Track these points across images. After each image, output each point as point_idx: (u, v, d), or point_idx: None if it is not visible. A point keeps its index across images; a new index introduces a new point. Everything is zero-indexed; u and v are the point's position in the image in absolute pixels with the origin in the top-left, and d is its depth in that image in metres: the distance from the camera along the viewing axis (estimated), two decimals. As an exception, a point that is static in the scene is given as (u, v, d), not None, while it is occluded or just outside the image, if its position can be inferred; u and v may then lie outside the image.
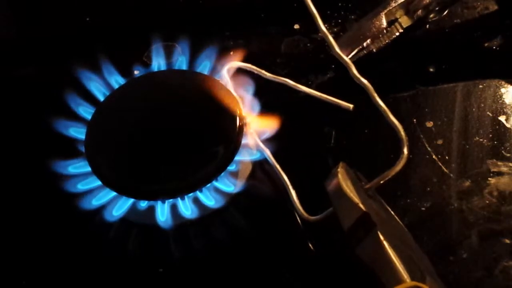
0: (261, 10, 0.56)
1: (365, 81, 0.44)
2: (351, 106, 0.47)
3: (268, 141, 0.45)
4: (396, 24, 0.49)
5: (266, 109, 0.46)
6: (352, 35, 0.49)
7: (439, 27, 0.52)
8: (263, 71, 0.49)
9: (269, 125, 0.45)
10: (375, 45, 0.48)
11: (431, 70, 0.50)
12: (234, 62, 0.49)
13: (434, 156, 0.45)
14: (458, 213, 0.42)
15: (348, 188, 0.37)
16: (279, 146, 0.45)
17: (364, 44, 0.48)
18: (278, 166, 0.44)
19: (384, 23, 0.48)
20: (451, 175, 0.44)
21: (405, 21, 0.49)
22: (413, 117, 0.47)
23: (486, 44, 0.51)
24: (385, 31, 0.48)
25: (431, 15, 0.50)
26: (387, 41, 0.49)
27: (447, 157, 0.44)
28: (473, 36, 0.52)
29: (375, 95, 0.43)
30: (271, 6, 0.56)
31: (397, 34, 0.49)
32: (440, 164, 0.44)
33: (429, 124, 0.47)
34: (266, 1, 0.56)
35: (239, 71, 0.49)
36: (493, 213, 0.41)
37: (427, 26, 0.52)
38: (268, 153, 0.44)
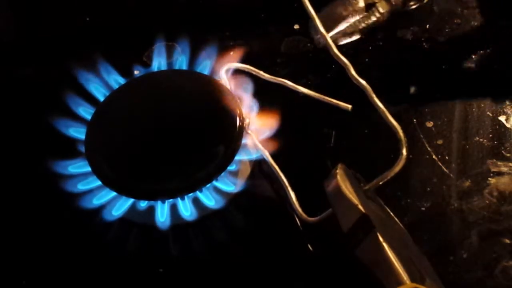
0: (261, 10, 0.56)
1: (363, 82, 0.44)
2: (349, 106, 0.46)
3: (267, 142, 0.45)
4: (374, 8, 0.48)
5: (264, 109, 0.46)
6: (327, 14, 0.49)
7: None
8: (261, 72, 0.49)
9: (268, 125, 0.45)
10: (350, 29, 0.48)
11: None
12: (232, 63, 0.49)
13: (434, 156, 0.45)
14: (458, 213, 0.42)
15: (347, 189, 0.37)
16: (278, 146, 0.45)
17: (341, 27, 0.47)
18: (276, 167, 0.44)
19: (362, 4, 0.48)
20: (451, 175, 0.44)
21: (383, 6, 0.48)
22: (413, 117, 0.47)
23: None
24: (361, 15, 0.48)
25: (411, 3, 0.49)
26: (363, 25, 0.48)
27: (447, 157, 0.44)
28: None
29: (373, 95, 0.43)
30: (271, 6, 0.56)
31: (374, 19, 0.48)
32: (440, 164, 0.44)
33: (429, 124, 0.47)
34: (266, 1, 0.56)
35: (238, 71, 0.49)
36: (493, 213, 0.41)
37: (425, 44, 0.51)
38: (266, 154, 0.44)
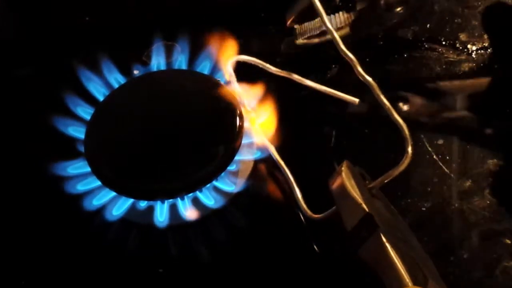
0: (261, 10, 0.56)
1: (369, 78, 0.43)
2: (357, 100, 0.46)
3: (272, 138, 0.45)
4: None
5: (269, 104, 0.46)
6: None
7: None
8: (268, 65, 0.49)
9: (272, 119, 0.45)
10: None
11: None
12: (239, 56, 0.49)
13: (434, 156, 0.45)
14: (458, 213, 0.42)
15: (352, 188, 0.36)
16: (283, 142, 0.45)
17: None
18: (282, 163, 0.43)
19: None
20: (452, 175, 0.44)
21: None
22: (413, 117, 0.47)
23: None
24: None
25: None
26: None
27: (447, 157, 0.44)
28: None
29: (380, 93, 0.42)
30: (271, 6, 0.56)
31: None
32: (441, 164, 0.44)
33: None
34: (266, 1, 0.56)
35: (244, 67, 0.49)
36: (493, 213, 0.41)
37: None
38: (272, 149, 0.44)
